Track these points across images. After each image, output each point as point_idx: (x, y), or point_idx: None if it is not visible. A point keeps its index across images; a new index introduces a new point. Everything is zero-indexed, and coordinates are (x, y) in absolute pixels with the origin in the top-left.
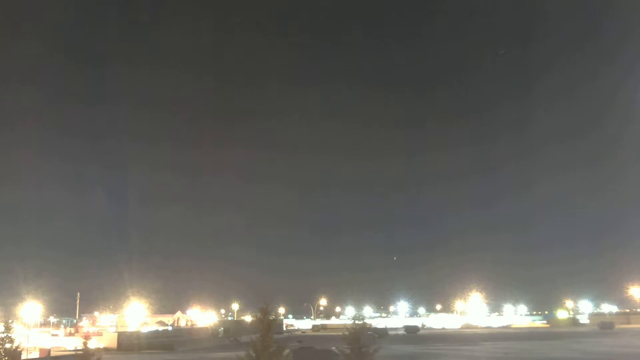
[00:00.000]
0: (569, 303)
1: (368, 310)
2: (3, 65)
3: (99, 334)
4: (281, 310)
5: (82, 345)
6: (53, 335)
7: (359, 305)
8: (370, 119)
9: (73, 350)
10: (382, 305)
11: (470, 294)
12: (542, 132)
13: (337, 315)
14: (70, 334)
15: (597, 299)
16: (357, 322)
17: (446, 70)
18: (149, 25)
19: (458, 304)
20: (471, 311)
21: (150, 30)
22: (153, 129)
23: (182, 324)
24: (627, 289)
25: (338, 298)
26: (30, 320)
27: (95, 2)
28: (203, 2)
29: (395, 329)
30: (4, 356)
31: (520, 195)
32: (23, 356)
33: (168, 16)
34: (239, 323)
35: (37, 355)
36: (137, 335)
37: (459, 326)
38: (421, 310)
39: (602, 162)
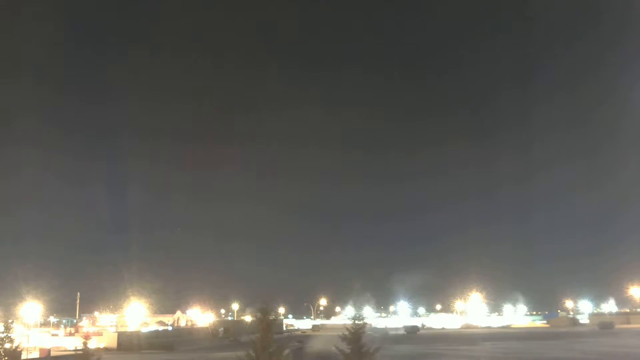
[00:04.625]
0: (569, 303)
1: (368, 310)
2: (3, 62)
3: (99, 334)
4: (281, 310)
5: (82, 345)
6: (53, 335)
7: (359, 305)
8: (371, 115)
9: (73, 350)
10: (382, 305)
11: (470, 294)
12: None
13: (337, 315)
14: (70, 334)
15: (597, 299)
16: (357, 322)
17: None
18: (150, 12)
19: (458, 304)
20: (471, 311)
21: (151, 20)
22: (154, 128)
23: (182, 324)
24: (627, 289)
25: (338, 298)
26: (30, 320)
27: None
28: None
29: (395, 329)
30: (4, 356)
31: (521, 194)
32: (23, 356)
33: (169, 4)
34: (239, 323)
35: (37, 355)
36: (137, 335)
37: (459, 326)
38: (421, 310)
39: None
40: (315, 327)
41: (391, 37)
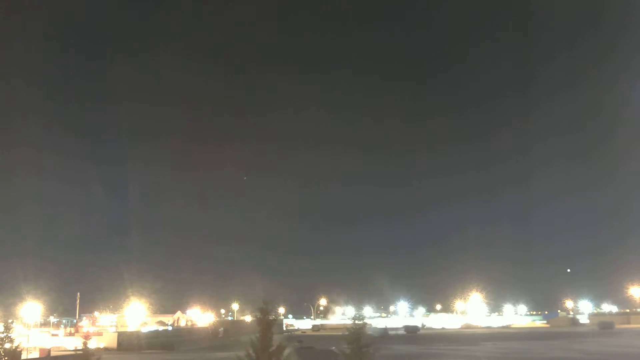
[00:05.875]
0: (569, 303)
1: (368, 310)
2: (3, 63)
3: (99, 334)
4: (281, 310)
5: (82, 345)
6: (53, 335)
7: (359, 305)
8: (371, 117)
9: (73, 350)
10: (382, 305)
11: (470, 294)
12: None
13: (337, 315)
14: (70, 334)
15: (597, 299)
16: (357, 322)
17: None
18: (149, 14)
19: (458, 304)
20: (471, 311)
21: (150, 22)
22: (153, 130)
23: (182, 324)
24: (627, 289)
25: (338, 298)
26: (30, 320)
27: (95, 7)
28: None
29: (395, 329)
30: (4, 356)
31: (520, 194)
32: (23, 356)
33: (168, 5)
34: (239, 323)
35: (37, 355)
36: (137, 335)
37: (459, 326)
38: (421, 310)
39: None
40: (315, 327)
41: (391, 38)
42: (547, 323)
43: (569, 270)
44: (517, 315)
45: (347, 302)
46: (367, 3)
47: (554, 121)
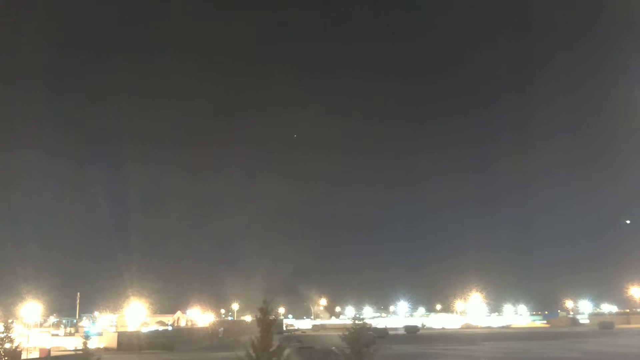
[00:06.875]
0: (569, 303)
1: (368, 310)
2: (3, 65)
3: (99, 334)
4: (281, 310)
5: (82, 345)
6: (53, 335)
7: (359, 305)
8: (371, 120)
9: (73, 350)
10: (382, 305)
11: (470, 294)
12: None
13: (337, 315)
14: (70, 334)
15: (597, 299)
16: (357, 322)
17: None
18: (148, 18)
19: (458, 304)
20: (471, 311)
21: (150, 25)
22: (154, 132)
23: (182, 324)
24: (627, 289)
25: (338, 298)
26: (30, 320)
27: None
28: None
29: (395, 329)
30: (4, 356)
31: (520, 194)
32: (23, 356)
33: (168, 8)
34: (239, 323)
35: (37, 355)
36: (137, 335)
37: (459, 326)
38: (421, 310)
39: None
40: (315, 327)
41: (391, 42)
42: (547, 323)
43: (628, 221)
44: (517, 315)
45: (347, 302)
46: (367, 7)
47: (555, 123)
